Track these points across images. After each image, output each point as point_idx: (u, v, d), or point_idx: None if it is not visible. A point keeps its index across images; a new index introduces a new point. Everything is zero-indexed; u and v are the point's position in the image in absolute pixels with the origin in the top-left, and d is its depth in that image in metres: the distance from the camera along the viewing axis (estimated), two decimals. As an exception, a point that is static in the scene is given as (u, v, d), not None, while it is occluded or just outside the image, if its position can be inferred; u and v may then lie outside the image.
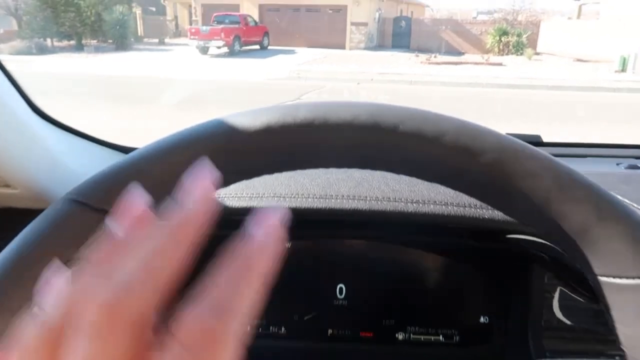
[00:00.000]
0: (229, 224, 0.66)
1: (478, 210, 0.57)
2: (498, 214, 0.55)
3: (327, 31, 17.99)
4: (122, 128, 5.14)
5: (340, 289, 0.67)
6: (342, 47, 17.64)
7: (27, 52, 12.99)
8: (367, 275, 0.68)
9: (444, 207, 0.58)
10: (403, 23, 19.18)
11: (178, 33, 21.27)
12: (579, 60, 14.00)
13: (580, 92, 8.33)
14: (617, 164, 0.92)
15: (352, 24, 17.90)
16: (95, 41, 15.99)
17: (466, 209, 0.57)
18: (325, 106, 0.31)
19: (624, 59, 10.70)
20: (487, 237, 0.62)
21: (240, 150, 0.32)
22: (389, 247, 0.68)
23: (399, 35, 19.12)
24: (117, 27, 15.56)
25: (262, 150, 0.32)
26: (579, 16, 21.06)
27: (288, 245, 0.66)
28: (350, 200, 0.59)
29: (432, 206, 0.58)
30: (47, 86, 7.97)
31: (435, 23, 18.98)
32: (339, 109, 0.31)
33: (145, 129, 5.05)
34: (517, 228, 0.56)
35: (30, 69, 10.16)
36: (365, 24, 17.96)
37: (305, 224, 0.63)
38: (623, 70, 10.61)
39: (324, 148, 0.32)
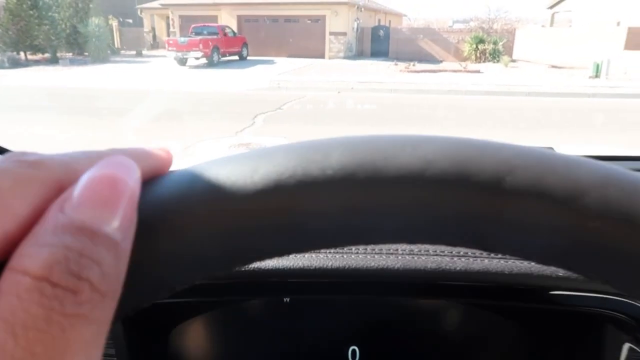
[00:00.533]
0: (210, 290, 0.54)
1: (550, 267, 0.42)
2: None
3: (306, 41, 18.04)
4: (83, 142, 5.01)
5: (353, 351, 0.56)
6: (322, 56, 17.69)
7: (-1, 65, 12.70)
8: (384, 336, 0.55)
9: (503, 262, 0.44)
10: (381, 32, 19.35)
11: (156, 45, 21.07)
12: (554, 66, 14.29)
13: (558, 97, 8.47)
14: None
15: (331, 33, 17.99)
16: (70, 54, 15.71)
17: (532, 265, 0.44)
18: (372, 145, 0.19)
19: (598, 66, 10.94)
20: (548, 298, 0.49)
21: (226, 229, 0.18)
22: (413, 303, 0.54)
23: (377, 44, 19.27)
24: (93, 39, 15.32)
25: (264, 227, 0.18)
26: (552, 24, 21.57)
27: (286, 299, 0.54)
28: (376, 256, 0.45)
29: (486, 261, 0.44)
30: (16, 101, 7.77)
31: (413, 32, 19.19)
32: (396, 148, 0.18)
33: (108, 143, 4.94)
34: (598, 287, 0.44)
35: (2, 83, 9.91)
36: (344, 34, 18.06)
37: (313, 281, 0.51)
38: (597, 76, 10.84)
39: (374, 220, 0.18)
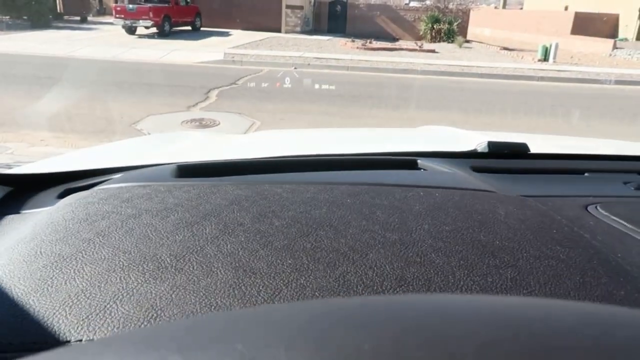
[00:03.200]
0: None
1: None
2: None
3: (262, 13, 17.56)
4: None
5: None
6: (278, 30, 17.31)
7: None
8: None
9: None
10: (339, 7, 19.12)
11: (102, 11, 19.94)
12: (505, 48, 14.64)
13: (508, 80, 8.71)
14: (625, 183, 0.77)
15: (288, 7, 17.59)
16: (7, 17, 14.61)
17: None
18: None
19: (546, 49, 11.29)
20: None
21: None
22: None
23: (334, 19, 19.05)
24: (33, 2, 14.30)
25: None
26: (504, 6, 22.03)
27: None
28: None
29: None
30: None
31: (370, 8, 19.08)
32: None
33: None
34: None
35: None
36: (300, 7, 17.71)
37: None
38: (545, 59, 11.20)
39: None
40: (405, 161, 0.83)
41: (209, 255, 0.44)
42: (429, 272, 0.44)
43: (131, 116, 4.80)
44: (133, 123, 4.60)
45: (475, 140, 0.95)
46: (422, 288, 0.42)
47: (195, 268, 0.42)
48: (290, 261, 0.44)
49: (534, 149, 0.90)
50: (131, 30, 13.56)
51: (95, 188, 0.61)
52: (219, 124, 4.79)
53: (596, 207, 0.64)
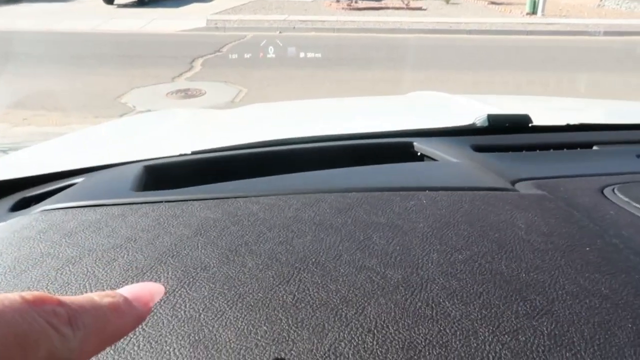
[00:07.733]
0: None
1: None
2: None
3: (243, -24, 17.02)
4: None
5: None
6: (261, -7, 16.84)
7: None
8: None
9: None
10: (322, -33, 18.57)
11: (77, -20, 19.23)
12: (493, 2, 14.37)
13: (497, 35, 8.58)
14: (638, 156, 0.71)
15: (270, -32, 17.05)
16: (-22, -9, 14.08)
17: None
18: None
19: (534, 1, 11.09)
20: None
21: None
22: None
23: (318, -21, 18.54)
24: (4, -26, 13.74)
25: None
26: (491, -42, 21.50)
27: None
28: None
29: None
30: None
31: (354, -34, 18.54)
32: None
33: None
34: None
35: None
36: (283, -32, 17.17)
37: None
38: (534, 12, 11.02)
39: None
40: (400, 146, 0.77)
41: (159, 324, 0.34)
42: (445, 331, 0.33)
43: (115, 89, 4.70)
44: (117, 97, 4.51)
45: (471, 110, 0.89)
46: (439, 358, 0.31)
47: (140, 347, 0.32)
48: (265, 327, 0.33)
49: (534, 117, 0.84)
50: (109, 0, 13.12)
51: (38, 210, 0.52)
52: (205, 93, 4.71)
53: (613, 189, 0.57)
